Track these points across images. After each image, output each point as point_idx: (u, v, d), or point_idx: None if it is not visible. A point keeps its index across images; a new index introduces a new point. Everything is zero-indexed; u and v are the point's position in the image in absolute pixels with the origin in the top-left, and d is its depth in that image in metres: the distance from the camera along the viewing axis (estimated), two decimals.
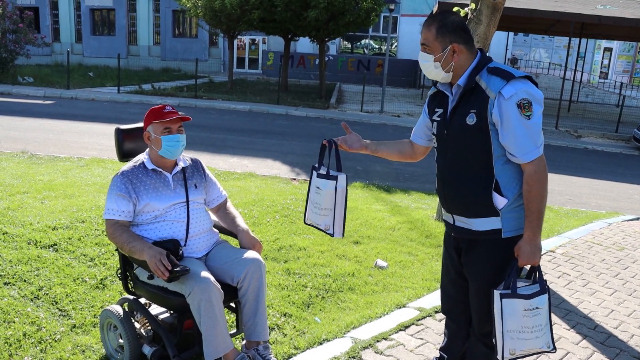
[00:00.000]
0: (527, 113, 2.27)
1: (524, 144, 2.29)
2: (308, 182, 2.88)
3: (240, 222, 3.19)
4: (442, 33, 2.39)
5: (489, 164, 2.39)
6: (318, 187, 2.76)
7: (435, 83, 2.62)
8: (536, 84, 2.36)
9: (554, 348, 2.46)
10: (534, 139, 2.30)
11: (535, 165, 2.31)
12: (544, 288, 2.43)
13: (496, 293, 2.38)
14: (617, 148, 15.87)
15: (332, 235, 2.76)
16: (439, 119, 2.56)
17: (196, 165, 3.16)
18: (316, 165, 2.84)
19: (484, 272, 2.51)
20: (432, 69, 2.46)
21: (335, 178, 2.71)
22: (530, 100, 2.28)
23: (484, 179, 2.40)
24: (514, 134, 2.29)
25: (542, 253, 5.40)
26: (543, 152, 2.34)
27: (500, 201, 2.39)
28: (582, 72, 28.22)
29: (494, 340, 2.46)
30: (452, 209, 2.58)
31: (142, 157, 3.02)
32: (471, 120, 2.36)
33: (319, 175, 2.77)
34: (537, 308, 2.38)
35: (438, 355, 3.00)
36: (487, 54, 5.82)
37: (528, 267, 2.48)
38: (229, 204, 3.28)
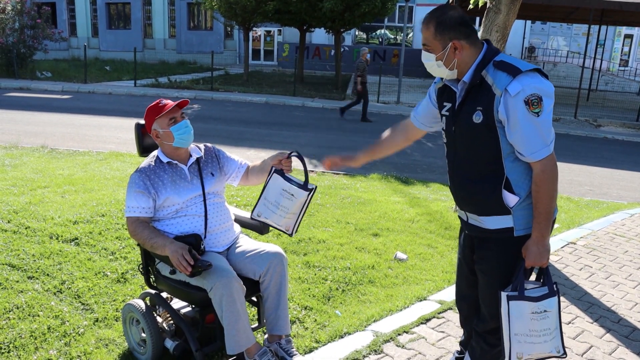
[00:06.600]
0: (536, 110, 2.16)
1: (533, 143, 2.20)
2: (266, 180, 2.96)
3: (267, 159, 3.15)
4: (441, 31, 2.29)
5: (499, 162, 2.31)
6: (292, 195, 2.89)
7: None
8: (546, 76, 2.26)
9: (564, 353, 2.39)
10: (544, 136, 2.20)
11: (543, 164, 2.22)
12: (553, 290, 2.35)
13: (503, 295, 2.31)
14: (638, 137, 15.61)
15: (290, 235, 3.00)
16: (447, 113, 2.49)
17: (209, 151, 3.15)
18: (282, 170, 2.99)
19: (494, 270, 2.45)
20: (435, 68, 2.39)
21: (311, 190, 2.91)
22: (539, 95, 2.16)
23: (494, 177, 2.33)
24: (521, 133, 2.20)
25: (563, 245, 5.39)
26: (553, 150, 2.24)
27: (511, 199, 2.32)
28: (602, 60, 27.80)
29: (502, 343, 2.39)
30: (463, 207, 2.53)
31: (156, 152, 3.03)
32: (478, 118, 2.29)
33: (294, 184, 2.90)
34: (545, 311, 2.30)
35: (459, 349, 2.99)
36: (506, 42, 5.66)
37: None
38: (254, 163, 3.25)
